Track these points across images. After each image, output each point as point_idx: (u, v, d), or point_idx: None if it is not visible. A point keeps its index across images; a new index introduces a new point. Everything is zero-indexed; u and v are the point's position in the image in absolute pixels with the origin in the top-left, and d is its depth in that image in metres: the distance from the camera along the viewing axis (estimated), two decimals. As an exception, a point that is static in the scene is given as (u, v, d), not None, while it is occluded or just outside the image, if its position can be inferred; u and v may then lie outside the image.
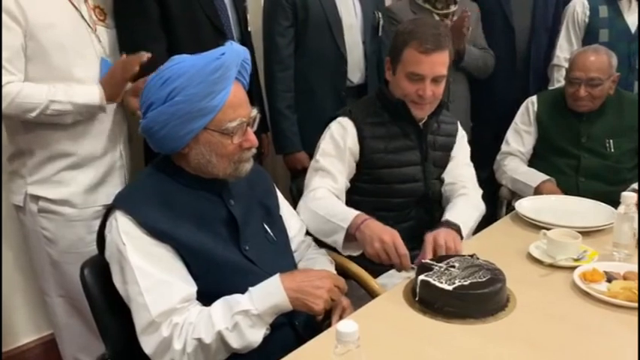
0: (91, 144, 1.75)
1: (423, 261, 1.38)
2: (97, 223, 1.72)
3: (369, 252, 1.47)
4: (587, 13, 2.60)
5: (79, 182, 1.75)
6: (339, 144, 1.73)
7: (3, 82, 1.55)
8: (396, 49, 1.69)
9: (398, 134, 1.76)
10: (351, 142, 1.73)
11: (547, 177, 2.17)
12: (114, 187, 1.79)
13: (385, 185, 1.77)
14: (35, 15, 1.57)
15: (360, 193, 1.77)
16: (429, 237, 1.48)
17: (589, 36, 2.59)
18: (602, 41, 2.51)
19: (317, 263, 1.47)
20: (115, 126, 1.82)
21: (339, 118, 1.76)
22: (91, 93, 1.67)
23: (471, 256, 1.38)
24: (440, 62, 1.64)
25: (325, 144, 1.75)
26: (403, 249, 1.44)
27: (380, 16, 2.41)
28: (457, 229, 1.55)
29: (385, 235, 1.45)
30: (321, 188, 1.68)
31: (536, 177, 2.20)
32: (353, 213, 1.55)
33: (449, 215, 1.64)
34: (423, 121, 1.77)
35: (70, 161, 1.73)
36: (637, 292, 1.26)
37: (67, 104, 1.63)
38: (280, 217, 1.46)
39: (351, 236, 1.51)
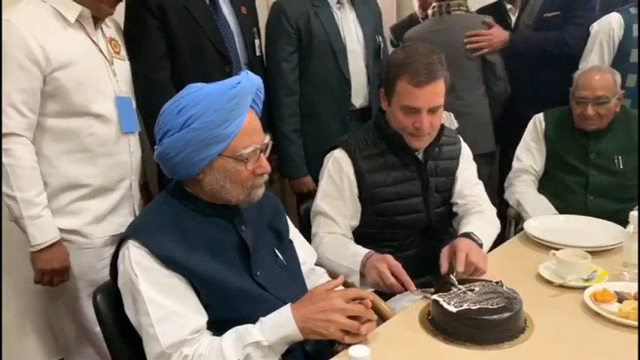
0: (105, 176, 1.75)
1: (448, 277, 1.39)
2: (107, 250, 1.77)
3: (371, 283, 1.53)
4: (622, 32, 2.49)
5: (90, 212, 1.75)
6: (337, 183, 1.71)
7: (18, 130, 1.57)
8: (389, 81, 1.63)
9: (396, 165, 1.72)
10: (348, 180, 1.70)
11: (552, 212, 2.13)
12: (123, 217, 1.81)
13: (386, 218, 1.74)
14: (57, 55, 1.59)
15: (361, 224, 1.75)
16: (462, 247, 1.48)
17: (620, 54, 2.50)
18: (633, 61, 2.44)
19: None
20: (130, 158, 1.82)
21: (336, 152, 1.74)
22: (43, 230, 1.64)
23: (497, 282, 1.37)
24: (435, 93, 1.58)
25: (324, 184, 1.74)
26: (400, 271, 1.47)
27: (380, 40, 2.44)
28: (480, 243, 1.55)
29: (379, 263, 1.49)
30: (326, 234, 1.69)
31: (536, 211, 2.14)
32: (360, 254, 1.57)
33: (471, 228, 1.61)
34: (422, 149, 1.73)
35: (83, 192, 1.73)
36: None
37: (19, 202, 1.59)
38: (291, 241, 1.46)
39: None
